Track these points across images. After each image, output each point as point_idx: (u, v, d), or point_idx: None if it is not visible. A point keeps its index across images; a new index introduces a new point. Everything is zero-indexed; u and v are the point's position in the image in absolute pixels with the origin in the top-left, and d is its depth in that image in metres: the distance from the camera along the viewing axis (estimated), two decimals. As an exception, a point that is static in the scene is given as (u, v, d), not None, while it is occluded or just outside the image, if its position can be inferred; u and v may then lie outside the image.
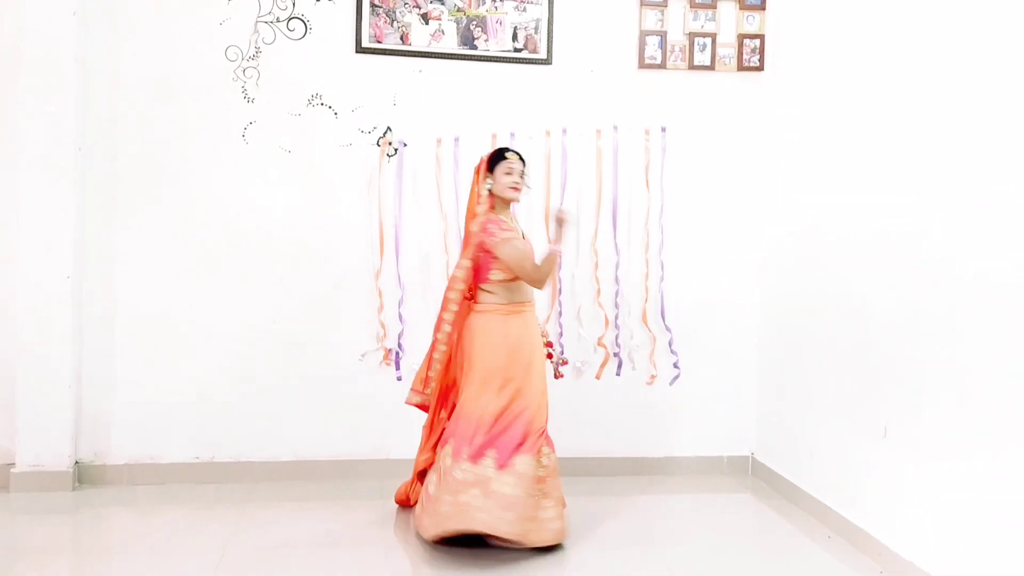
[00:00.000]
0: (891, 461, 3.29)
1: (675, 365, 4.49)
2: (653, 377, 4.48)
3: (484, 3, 4.27)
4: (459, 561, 3.24)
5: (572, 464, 4.33)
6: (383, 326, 4.28)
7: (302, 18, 4.17)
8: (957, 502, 2.90)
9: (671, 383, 4.50)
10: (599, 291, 4.41)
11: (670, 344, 4.47)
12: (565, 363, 3.98)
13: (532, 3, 4.30)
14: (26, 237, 3.94)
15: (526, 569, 3.22)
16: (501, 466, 3.25)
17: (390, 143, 4.26)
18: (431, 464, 3.57)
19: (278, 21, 4.16)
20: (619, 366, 4.45)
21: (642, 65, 4.39)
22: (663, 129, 4.43)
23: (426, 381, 3.64)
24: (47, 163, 3.93)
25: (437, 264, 4.28)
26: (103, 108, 4.07)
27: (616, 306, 4.43)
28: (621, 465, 4.47)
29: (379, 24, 4.20)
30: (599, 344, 4.43)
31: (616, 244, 4.41)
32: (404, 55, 4.24)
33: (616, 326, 4.44)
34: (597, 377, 4.45)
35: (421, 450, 3.70)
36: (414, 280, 4.28)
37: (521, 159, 3.53)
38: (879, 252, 3.40)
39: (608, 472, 4.44)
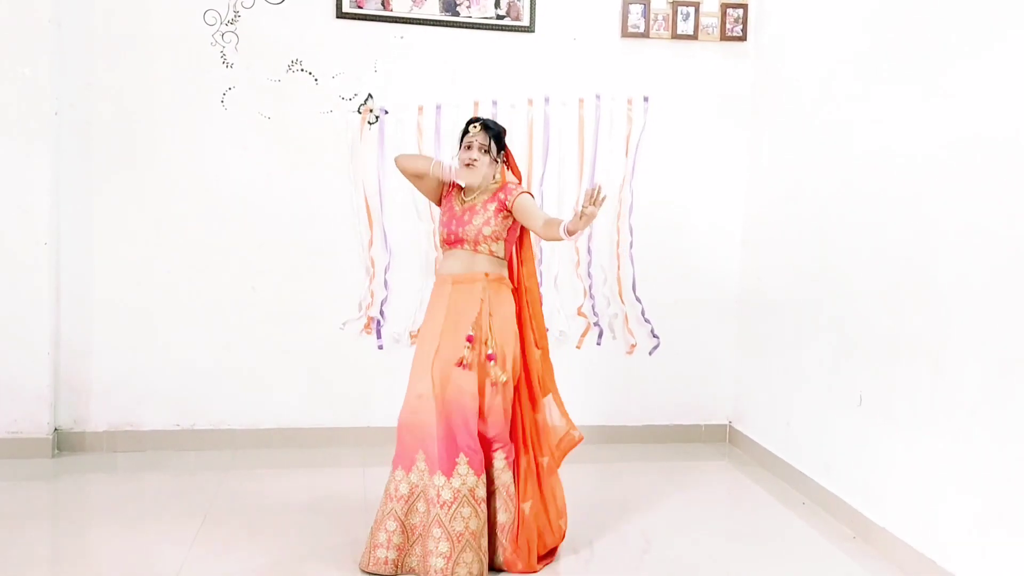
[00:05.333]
0: (866, 429, 3.34)
1: (653, 334, 4.52)
2: (633, 347, 4.51)
3: (467, -31, 4.23)
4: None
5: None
6: (372, 295, 4.27)
7: (282, -18, 4.12)
8: (929, 469, 2.95)
9: (650, 352, 4.53)
10: (578, 262, 4.42)
11: (643, 313, 4.49)
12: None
13: (515, -31, 4.26)
14: (1, 203, 3.89)
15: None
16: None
17: (371, 110, 4.22)
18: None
19: (257, -15, 4.10)
20: (599, 335, 4.48)
21: (625, 34, 4.36)
22: (645, 99, 4.42)
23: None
24: (22, 127, 3.88)
25: (419, 234, 4.26)
26: (79, 72, 4.00)
27: (589, 276, 4.44)
28: (600, 433, 4.50)
29: (360, -11, 4.15)
30: (579, 313, 4.44)
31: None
32: (385, 21, 4.19)
33: (591, 295, 4.44)
34: (577, 347, 4.47)
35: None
36: (398, 249, 4.27)
37: (488, 129, 3.05)
38: (858, 223, 3.43)
39: (587, 440, 4.46)
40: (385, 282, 4.27)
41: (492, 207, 3.01)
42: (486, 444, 2.94)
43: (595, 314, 4.46)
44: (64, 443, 4.09)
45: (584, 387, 4.50)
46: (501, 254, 3.05)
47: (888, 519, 3.16)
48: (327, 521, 3.35)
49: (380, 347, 4.28)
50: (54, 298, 4.02)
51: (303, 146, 4.20)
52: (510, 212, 3.00)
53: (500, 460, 2.96)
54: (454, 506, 2.82)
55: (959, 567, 2.77)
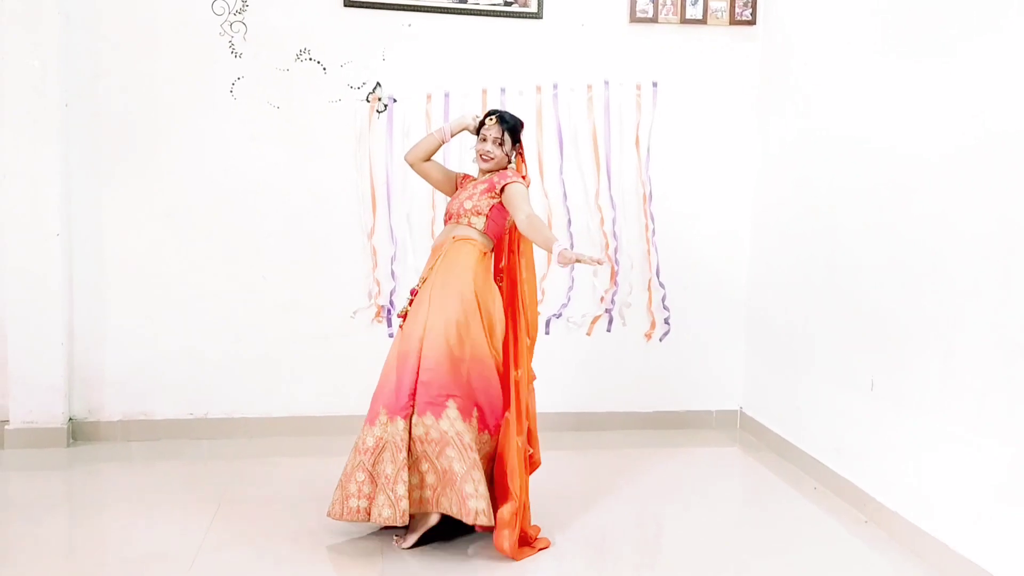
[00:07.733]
0: (877, 414, 3.33)
1: (666, 321, 4.51)
2: (648, 333, 4.50)
3: (474, -45, 4.21)
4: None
5: (563, 419, 4.40)
6: (378, 283, 4.28)
7: (289, -29, 4.11)
8: (941, 453, 2.94)
9: (661, 339, 4.52)
10: (606, 245, 4.41)
11: (663, 300, 4.49)
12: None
13: (522, -45, 4.25)
14: (13, 195, 3.92)
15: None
16: None
17: (379, 99, 4.22)
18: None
19: (265, -26, 4.10)
20: (610, 322, 4.47)
21: (633, 19, 4.34)
22: (654, 84, 4.40)
23: None
24: (33, 119, 3.89)
25: (425, 221, 4.27)
26: (88, 63, 4.01)
27: (617, 263, 4.44)
28: (611, 420, 4.51)
29: (367, -23, 4.14)
30: (601, 300, 4.44)
31: (612, 199, 4.40)
32: (393, 8, 4.18)
33: (616, 283, 4.44)
34: (588, 333, 4.47)
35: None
36: (406, 237, 4.28)
37: (504, 122, 3.19)
38: (869, 209, 3.41)
39: (598, 427, 4.49)
40: (392, 272, 4.27)
41: (481, 187, 3.18)
42: (438, 391, 2.96)
43: (612, 302, 4.45)
44: (78, 433, 4.13)
45: (594, 374, 4.50)
46: (480, 227, 3.15)
47: (900, 503, 3.16)
48: (340, 508, 3.37)
49: (391, 335, 4.29)
50: (67, 289, 4.04)
51: (312, 135, 4.20)
52: (498, 195, 3.14)
53: (453, 410, 2.96)
54: (376, 452, 2.97)
55: (971, 550, 2.77)
